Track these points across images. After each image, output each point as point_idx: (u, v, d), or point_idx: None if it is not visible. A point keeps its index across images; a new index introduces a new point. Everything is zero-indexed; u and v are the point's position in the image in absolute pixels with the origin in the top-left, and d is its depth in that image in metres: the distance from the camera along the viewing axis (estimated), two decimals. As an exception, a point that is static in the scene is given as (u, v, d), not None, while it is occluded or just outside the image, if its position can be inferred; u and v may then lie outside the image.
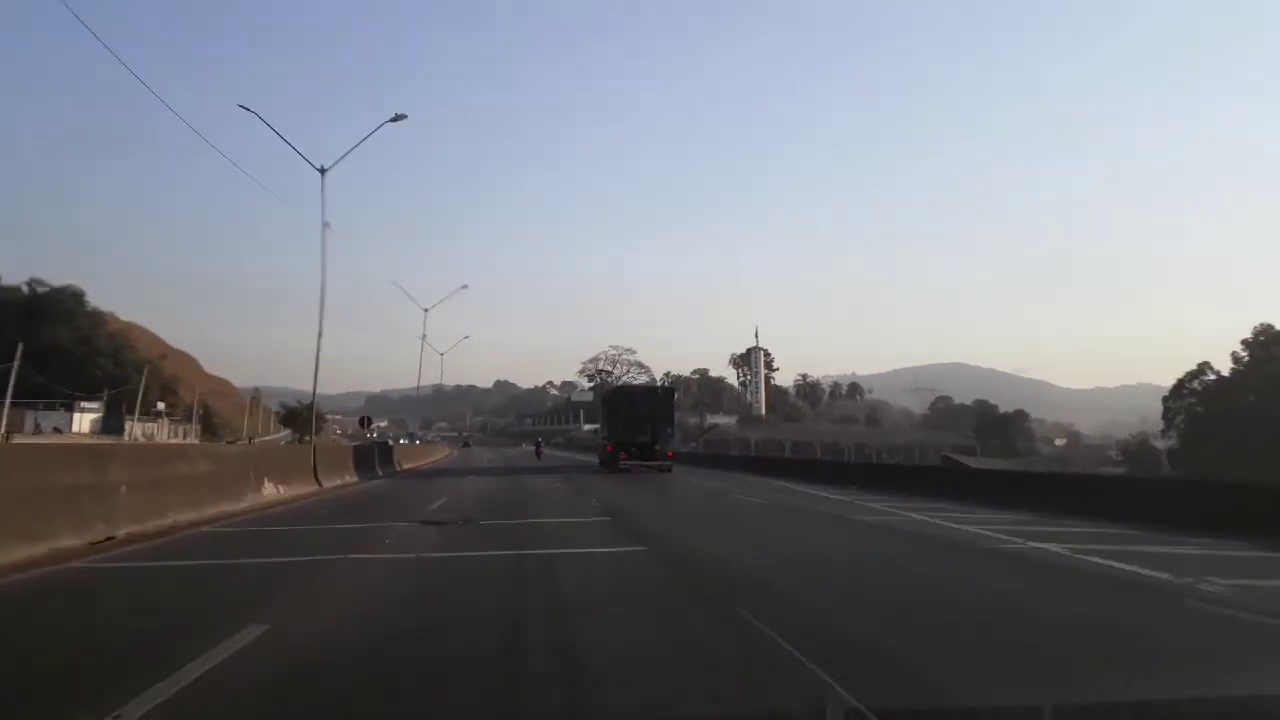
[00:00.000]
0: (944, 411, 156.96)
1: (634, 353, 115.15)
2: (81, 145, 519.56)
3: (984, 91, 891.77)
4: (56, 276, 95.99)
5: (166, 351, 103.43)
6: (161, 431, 76.54)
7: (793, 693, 4.26)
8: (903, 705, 4.13)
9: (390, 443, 44.43)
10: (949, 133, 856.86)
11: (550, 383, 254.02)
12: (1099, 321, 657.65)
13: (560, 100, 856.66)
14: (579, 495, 18.76)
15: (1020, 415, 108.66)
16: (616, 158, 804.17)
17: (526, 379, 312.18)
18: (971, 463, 55.44)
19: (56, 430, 64.90)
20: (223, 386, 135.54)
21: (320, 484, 18.96)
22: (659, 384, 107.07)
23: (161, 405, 78.86)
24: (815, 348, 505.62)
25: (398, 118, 25.30)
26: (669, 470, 32.47)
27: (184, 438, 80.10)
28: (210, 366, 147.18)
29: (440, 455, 59.89)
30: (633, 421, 33.61)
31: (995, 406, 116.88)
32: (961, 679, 4.53)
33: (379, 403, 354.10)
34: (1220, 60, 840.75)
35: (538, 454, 58.33)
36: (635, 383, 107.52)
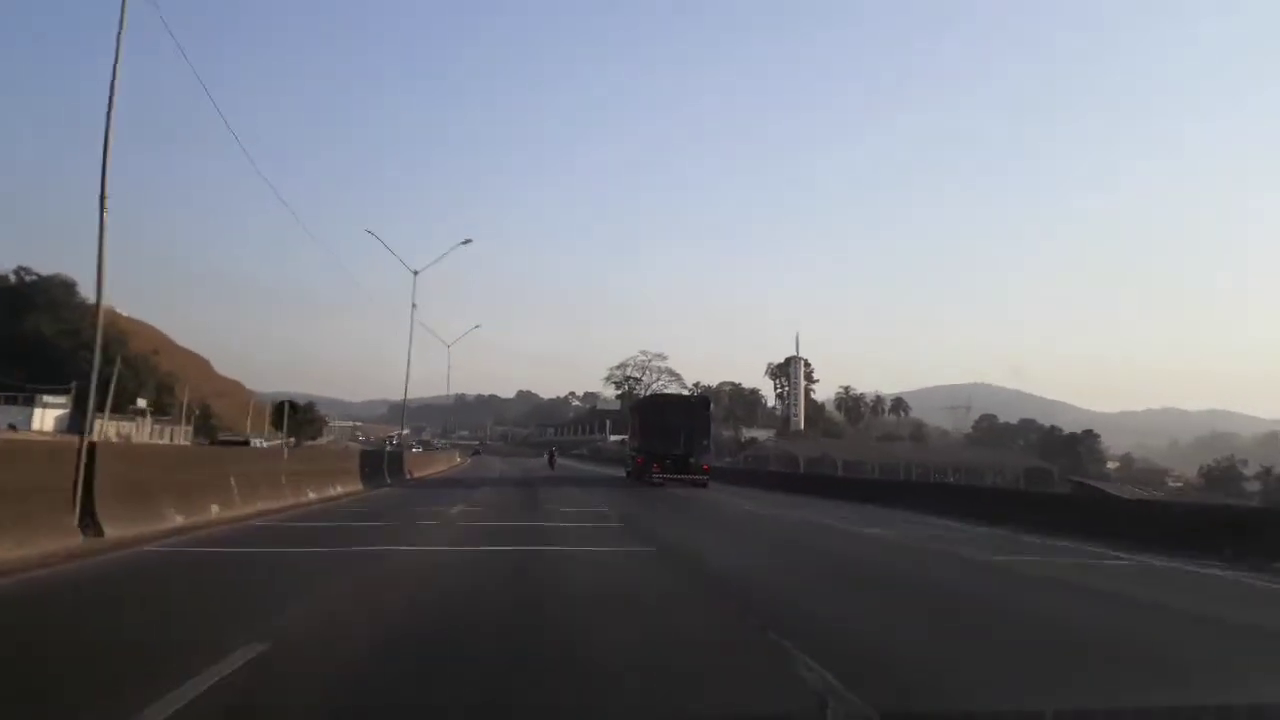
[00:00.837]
0: (989, 430, 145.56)
1: (665, 359, 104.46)
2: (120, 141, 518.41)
3: (998, 108, 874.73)
4: (75, 274, 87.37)
5: (160, 348, 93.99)
6: (142, 431, 66.69)
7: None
8: (902, 708, 3.87)
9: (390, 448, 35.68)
10: (966, 152, 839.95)
11: (573, 393, 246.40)
12: (1123, 345, 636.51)
13: (584, 102, 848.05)
14: (666, 568, 8.61)
15: (1089, 435, 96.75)
16: (644, 164, 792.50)
17: (549, 389, 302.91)
18: (1114, 490, 43.87)
19: (11, 427, 55.13)
20: (232, 388, 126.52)
21: (99, 529, 8.41)
22: (690, 393, 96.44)
23: (142, 402, 68.97)
24: (839, 365, 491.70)
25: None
26: (704, 485, 29.84)
27: (170, 438, 70.29)
28: (224, 369, 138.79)
29: (444, 465, 49.59)
30: (667, 432, 30.99)
31: (1056, 427, 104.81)
32: None
33: (400, 410, 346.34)
34: (1225, 83, 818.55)
35: (550, 464, 54.97)
36: (666, 391, 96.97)
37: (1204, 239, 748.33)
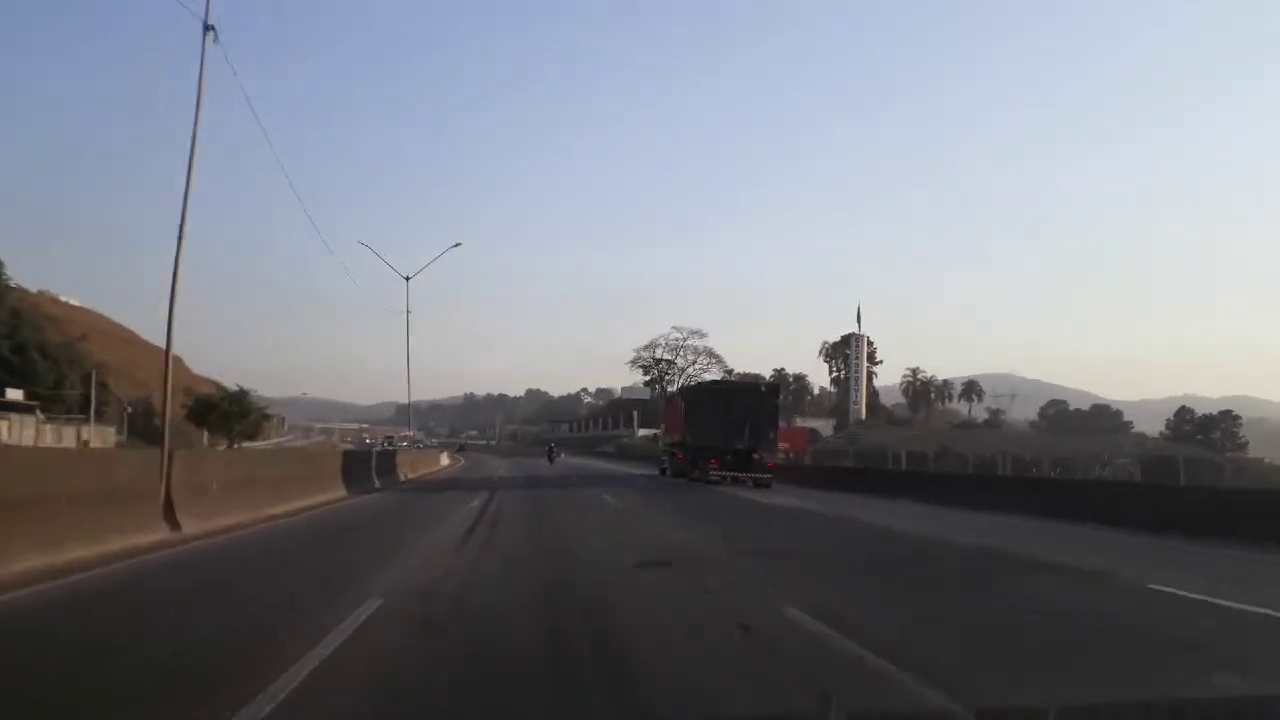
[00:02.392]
0: (1057, 419, 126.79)
1: (704, 336, 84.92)
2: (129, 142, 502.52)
3: (997, 90, 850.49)
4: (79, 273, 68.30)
5: (89, 333, 74.79)
6: (19, 433, 47.41)
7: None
8: (907, 708, 3.68)
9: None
10: (974, 132, 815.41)
11: (584, 389, 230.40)
12: (1140, 332, 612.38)
13: (594, 83, 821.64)
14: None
15: (1228, 417, 77.02)
16: (669, 142, 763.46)
17: (559, 386, 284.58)
18: None
19: None
20: (202, 386, 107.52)
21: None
22: (728, 375, 77.72)
23: (14, 393, 49.83)
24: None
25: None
26: (768, 485, 26.00)
27: (76, 441, 51.11)
28: (205, 368, 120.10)
29: (424, 469, 31.10)
30: (728, 424, 26.81)
31: (1187, 408, 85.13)
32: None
33: (408, 412, 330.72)
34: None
35: (550, 459, 51.16)
36: (706, 376, 78.33)
37: (1218, 228, 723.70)
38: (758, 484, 26.26)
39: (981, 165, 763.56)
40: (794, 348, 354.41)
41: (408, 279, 20.92)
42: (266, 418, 60.52)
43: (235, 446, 45.08)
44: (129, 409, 64.54)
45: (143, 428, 71.67)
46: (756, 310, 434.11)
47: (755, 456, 26.85)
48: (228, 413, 47.87)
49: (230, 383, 55.96)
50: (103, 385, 70.91)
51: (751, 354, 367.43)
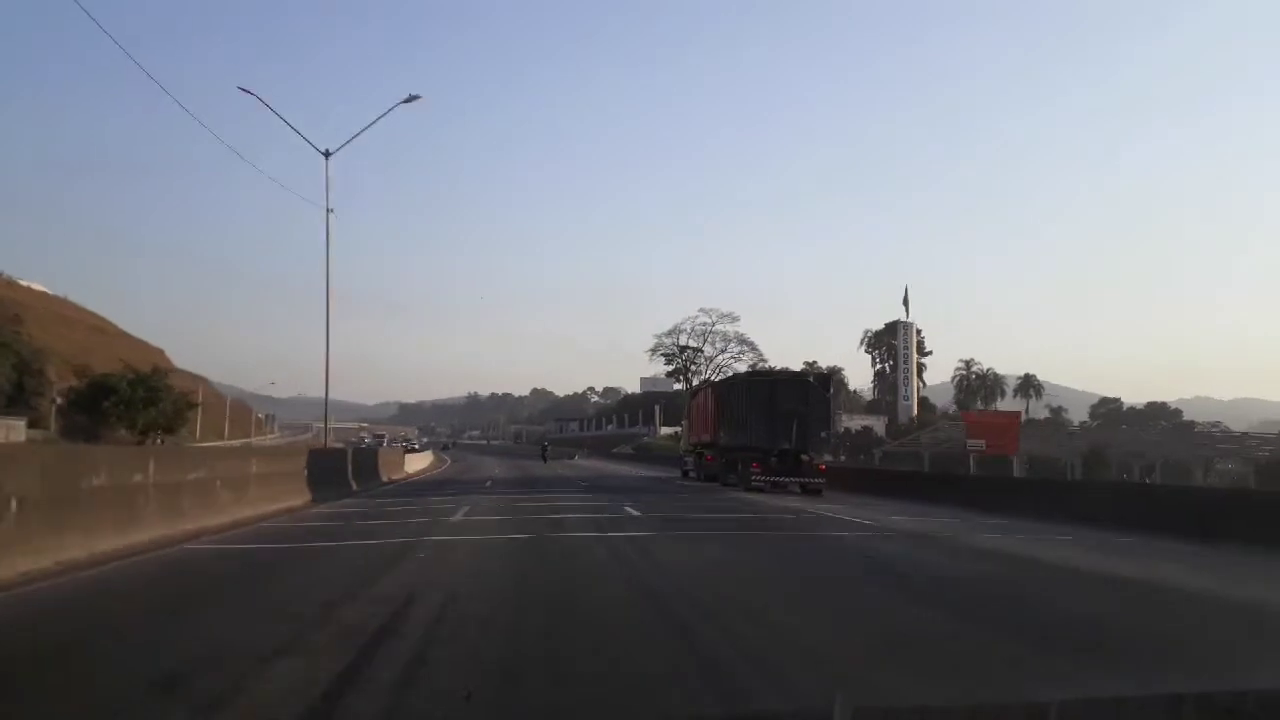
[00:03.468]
0: (1111, 418, 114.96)
1: (736, 320, 72.71)
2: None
3: (987, 98, 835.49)
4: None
5: (21, 313, 62.54)
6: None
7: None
8: (910, 704, 3.63)
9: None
10: (980, 130, 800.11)
11: (591, 388, 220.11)
12: (1151, 334, 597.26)
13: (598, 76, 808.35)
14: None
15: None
16: (661, 140, 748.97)
17: (565, 386, 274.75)
18: None
19: None
20: (185, 382, 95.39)
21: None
22: (760, 364, 65.68)
23: None
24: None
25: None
26: (818, 492, 22.27)
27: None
28: (197, 365, 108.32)
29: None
30: (773, 420, 23.77)
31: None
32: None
33: (413, 412, 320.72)
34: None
35: (544, 457, 51.28)
36: (739, 366, 66.63)
37: (1222, 231, 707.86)
38: (806, 490, 22.90)
39: (972, 168, 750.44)
40: (822, 342, 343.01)
41: (327, 154, 15.16)
42: (191, 406, 48.58)
43: (152, 442, 33.29)
44: (56, 400, 52.66)
45: (83, 424, 59.96)
46: (774, 307, 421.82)
47: (805, 458, 23.49)
48: (129, 399, 36.12)
49: (217, 379, 44.95)
50: (38, 372, 59.36)
51: (774, 349, 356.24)
